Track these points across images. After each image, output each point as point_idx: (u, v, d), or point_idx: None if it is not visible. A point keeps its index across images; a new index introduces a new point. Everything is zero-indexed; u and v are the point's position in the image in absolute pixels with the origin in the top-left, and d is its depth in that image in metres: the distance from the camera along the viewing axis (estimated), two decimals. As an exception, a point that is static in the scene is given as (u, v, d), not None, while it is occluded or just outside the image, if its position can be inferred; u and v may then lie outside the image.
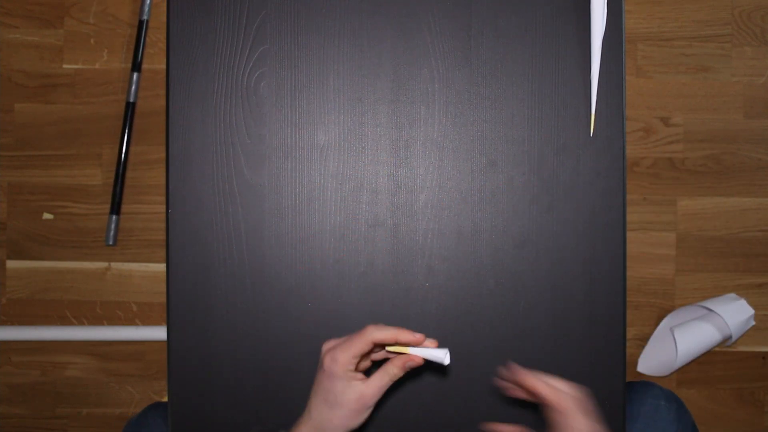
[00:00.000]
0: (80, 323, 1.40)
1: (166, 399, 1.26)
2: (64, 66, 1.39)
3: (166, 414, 0.78)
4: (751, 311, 1.36)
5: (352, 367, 0.59)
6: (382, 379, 0.60)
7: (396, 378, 0.60)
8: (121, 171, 1.33)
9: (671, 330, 1.36)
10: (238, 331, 0.70)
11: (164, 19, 1.15)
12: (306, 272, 0.71)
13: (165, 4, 0.79)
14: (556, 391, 0.59)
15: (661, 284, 1.41)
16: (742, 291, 1.40)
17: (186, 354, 0.70)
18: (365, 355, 0.61)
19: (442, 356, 0.58)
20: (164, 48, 1.16)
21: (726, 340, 1.38)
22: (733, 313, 1.34)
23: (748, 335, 1.40)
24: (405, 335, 0.59)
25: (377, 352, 0.63)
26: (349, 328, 0.70)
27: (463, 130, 0.71)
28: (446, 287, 0.70)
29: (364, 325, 0.70)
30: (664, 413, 0.77)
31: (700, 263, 1.41)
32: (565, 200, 0.71)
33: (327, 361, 0.59)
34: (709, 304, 1.36)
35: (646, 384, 0.81)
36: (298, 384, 0.70)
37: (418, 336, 0.59)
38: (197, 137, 0.71)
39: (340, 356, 0.58)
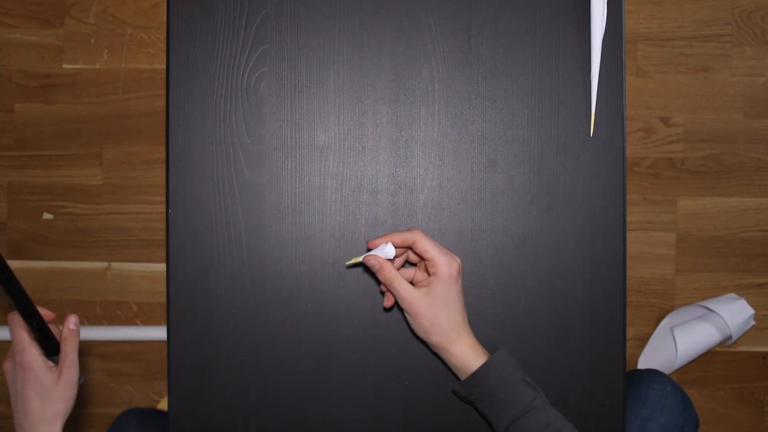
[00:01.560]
0: (80, 323, 1.40)
1: (164, 400, 1.26)
2: (64, 66, 1.39)
3: (141, 418, 0.79)
4: (751, 311, 1.36)
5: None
6: (71, 352, 0.66)
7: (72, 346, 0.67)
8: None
9: (671, 330, 1.36)
10: (238, 331, 0.70)
11: (164, 19, 1.15)
12: (306, 272, 0.71)
13: (165, 4, 0.79)
14: (445, 254, 0.64)
15: (661, 284, 1.41)
16: (742, 291, 1.40)
17: (186, 354, 0.70)
18: None
19: (385, 249, 0.63)
20: (164, 48, 1.16)
21: (726, 340, 1.38)
22: (733, 313, 1.34)
23: (748, 335, 1.40)
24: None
25: None
26: (349, 328, 0.70)
27: (463, 130, 0.71)
28: (446, 287, 0.70)
29: (365, 325, 0.70)
30: (671, 399, 0.79)
31: (700, 263, 1.41)
32: (565, 200, 0.71)
33: (18, 357, 0.62)
34: (709, 304, 1.36)
35: (653, 371, 0.83)
36: (298, 384, 0.70)
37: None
38: (197, 137, 0.71)
39: (19, 346, 0.63)
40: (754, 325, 1.39)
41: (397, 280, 0.63)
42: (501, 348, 0.65)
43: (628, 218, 1.37)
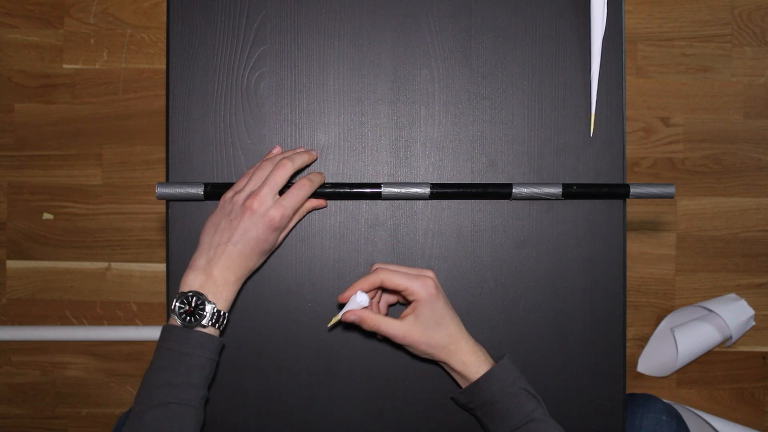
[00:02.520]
0: (80, 323, 1.40)
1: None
2: (64, 66, 1.39)
3: None
4: (751, 311, 1.36)
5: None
6: (292, 223, 0.67)
7: (302, 216, 0.68)
8: None
9: (671, 330, 1.36)
10: (238, 331, 0.70)
11: (164, 19, 1.15)
12: (306, 272, 0.71)
13: (165, 4, 0.79)
14: (416, 279, 0.63)
15: (661, 284, 1.41)
16: (742, 291, 1.40)
17: (186, 354, 0.70)
18: None
19: (359, 299, 0.62)
20: (164, 48, 1.16)
21: (726, 341, 1.38)
22: (733, 314, 1.35)
23: (748, 335, 1.40)
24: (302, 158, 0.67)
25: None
26: (348, 327, 0.70)
27: (463, 130, 0.71)
28: (446, 287, 0.70)
29: (366, 325, 0.70)
30: (665, 428, 0.78)
31: (700, 263, 1.41)
32: (565, 200, 0.71)
33: (278, 215, 0.63)
34: (709, 304, 1.36)
35: (648, 397, 0.82)
36: (298, 384, 0.70)
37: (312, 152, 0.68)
38: (197, 137, 0.71)
39: (290, 211, 0.64)
40: (754, 326, 1.39)
41: (383, 324, 0.63)
42: (505, 356, 0.65)
43: (628, 218, 1.37)
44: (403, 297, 0.65)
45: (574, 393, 0.71)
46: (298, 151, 0.68)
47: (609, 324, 0.71)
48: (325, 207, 0.70)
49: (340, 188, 0.68)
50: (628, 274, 0.92)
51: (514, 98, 0.71)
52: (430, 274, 0.64)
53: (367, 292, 0.63)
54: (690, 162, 1.40)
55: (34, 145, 1.39)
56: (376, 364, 0.71)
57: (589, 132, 0.71)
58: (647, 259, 1.40)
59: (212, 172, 0.71)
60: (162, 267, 1.39)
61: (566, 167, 0.71)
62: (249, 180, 0.64)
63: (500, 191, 0.69)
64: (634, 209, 1.39)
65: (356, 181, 0.71)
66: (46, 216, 1.39)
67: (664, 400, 0.83)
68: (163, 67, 1.35)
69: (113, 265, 1.39)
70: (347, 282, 0.70)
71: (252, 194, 0.62)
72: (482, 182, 0.70)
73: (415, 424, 0.71)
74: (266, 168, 0.65)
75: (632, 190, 0.68)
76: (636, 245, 1.40)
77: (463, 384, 0.65)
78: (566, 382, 0.71)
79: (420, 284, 0.62)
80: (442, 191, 0.69)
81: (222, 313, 0.62)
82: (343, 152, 0.71)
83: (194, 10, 0.71)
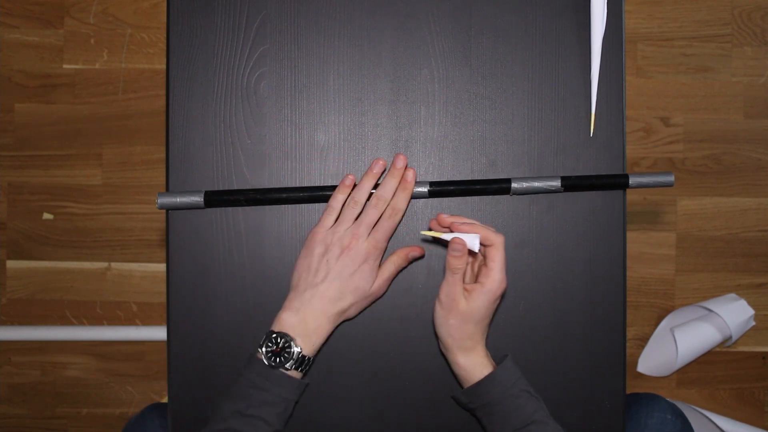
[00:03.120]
0: (80, 323, 1.40)
1: (165, 400, 1.26)
2: (64, 66, 1.39)
3: (165, 415, 0.79)
4: (751, 311, 1.36)
5: None
6: (389, 269, 0.67)
7: (401, 268, 0.68)
8: None
9: (671, 330, 1.36)
10: (238, 331, 0.70)
11: (164, 19, 1.15)
12: (306, 272, 0.70)
13: (165, 4, 0.79)
14: (504, 271, 0.63)
15: (661, 284, 1.41)
16: (742, 291, 1.40)
17: (186, 354, 0.70)
18: None
19: (473, 240, 0.61)
20: (164, 48, 1.16)
21: (726, 341, 1.38)
22: (733, 314, 1.35)
23: (748, 335, 1.40)
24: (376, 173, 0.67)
25: None
26: (348, 327, 0.70)
27: (463, 130, 0.71)
28: (446, 287, 0.70)
29: (365, 325, 0.70)
30: (670, 427, 0.78)
31: (700, 263, 1.41)
32: (565, 200, 0.71)
33: (371, 247, 0.64)
34: (709, 304, 1.36)
35: (653, 396, 0.82)
36: (298, 384, 0.70)
37: (381, 161, 0.68)
38: (197, 137, 0.71)
39: (383, 243, 0.65)
40: (754, 325, 1.39)
41: (460, 274, 0.62)
42: (507, 358, 0.65)
43: (628, 218, 1.37)
44: (477, 269, 0.65)
45: (574, 393, 0.71)
46: (387, 181, 0.67)
47: (609, 324, 0.71)
48: (422, 256, 0.70)
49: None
50: (628, 274, 0.92)
51: (514, 98, 0.71)
52: (506, 283, 0.64)
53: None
54: (690, 162, 1.40)
55: (34, 145, 1.39)
56: (376, 364, 0.71)
57: (589, 132, 0.71)
58: (647, 259, 1.40)
59: (212, 172, 0.71)
60: (162, 267, 1.39)
61: (566, 167, 0.71)
62: (342, 218, 0.65)
63: (499, 186, 0.69)
64: (634, 209, 1.39)
65: (357, 182, 0.71)
66: (46, 216, 1.39)
67: (669, 400, 0.83)
68: (163, 67, 1.35)
69: (113, 265, 1.39)
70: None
71: (352, 235, 0.64)
72: (481, 179, 0.70)
73: (415, 424, 0.71)
74: (356, 207, 0.66)
75: (631, 179, 0.68)
76: (636, 245, 1.40)
77: (465, 383, 0.65)
78: (566, 382, 0.71)
79: (501, 279, 0.62)
80: (440, 189, 0.69)
81: (307, 359, 0.62)
82: (343, 152, 0.71)
83: (194, 10, 0.71)
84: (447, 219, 0.64)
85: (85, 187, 1.39)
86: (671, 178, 0.68)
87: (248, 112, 0.71)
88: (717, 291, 1.41)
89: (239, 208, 0.70)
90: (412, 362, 0.70)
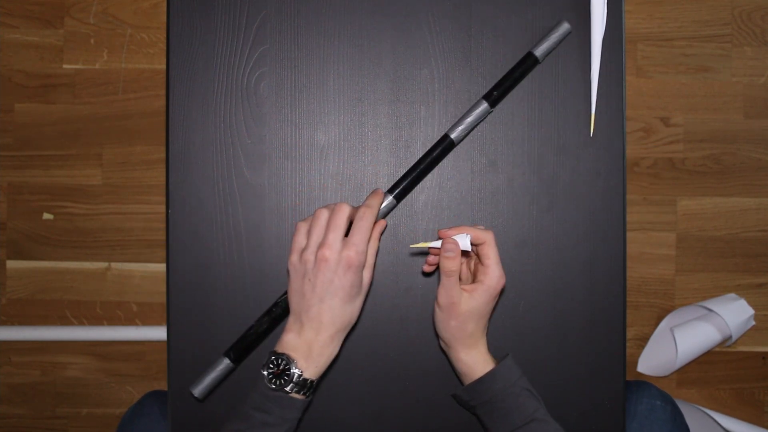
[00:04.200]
0: (80, 323, 1.40)
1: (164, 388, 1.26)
2: (64, 66, 1.39)
3: (164, 402, 0.78)
4: (751, 311, 1.36)
5: None
6: (371, 256, 0.64)
7: (377, 249, 0.65)
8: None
9: (671, 330, 1.36)
10: (238, 331, 0.70)
11: (164, 19, 1.15)
12: (306, 272, 0.70)
13: (165, 4, 0.79)
14: (500, 270, 0.63)
15: (661, 284, 1.41)
16: (742, 291, 1.40)
17: (186, 354, 0.70)
18: None
19: (464, 240, 0.61)
20: (164, 48, 1.16)
21: (726, 340, 1.38)
22: (733, 313, 1.35)
23: (748, 335, 1.40)
24: (376, 200, 0.65)
25: None
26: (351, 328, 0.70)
27: (463, 130, 0.71)
28: (446, 287, 0.70)
29: (365, 325, 0.70)
30: (660, 413, 0.78)
31: (700, 263, 1.41)
32: (565, 200, 0.71)
33: (352, 254, 0.60)
34: (709, 304, 1.36)
35: (642, 384, 0.82)
36: (298, 384, 0.70)
37: (379, 191, 0.66)
38: (197, 137, 0.71)
39: (362, 246, 0.61)
40: (754, 325, 1.39)
41: (456, 276, 0.62)
42: (508, 356, 0.65)
43: (628, 218, 1.37)
44: (474, 268, 0.65)
45: (574, 393, 0.71)
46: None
47: (609, 324, 0.71)
48: (386, 227, 0.70)
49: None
50: (628, 274, 0.92)
51: (514, 98, 0.71)
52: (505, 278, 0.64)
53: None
54: (690, 162, 1.40)
55: (34, 145, 1.39)
56: (376, 364, 0.71)
57: (589, 132, 0.71)
58: (647, 259, 1.40)
59: (212, 172, 0.71)
60: (162, 267, 1.39)
61: (566, 167, 0.71)
62: (309, 236, 0.62)
63: (443, 147, 0.69)
64: (634, 209, 1.39)
65: (356, 182, 0.71)
66: (46, 216, 1.39)
67: (659, 388, 0.83)
68: (163, 67, 1.35)
69: (113, 265, 1.39)
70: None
71: (320, 246, 0.60)
72: (424, 154, 0.70)
73: (415, 424, 0.71)
74: (322, 217, 0.62)
75: (536, 51, 0.70)
76: (636, 245, 1.40)
77: (466, 380, 0.65)
78: (566, 382, 0.71)
79: (499, 275, 0.62)
80: (400, 188, 0.68)
81: (309, 382, 0.60)
82: (343, 152, 0.71)
83: (194, 10, 0.71)
84: (439, 232, 0.64)
85: (85, 187, 1.39)
86: (567, 26, 0.70)
87: (248, 112, 0.71)
88: (717, 291, 1.41)
89: (239, 208, 0.71)
90: (412, 362, 0.70)
